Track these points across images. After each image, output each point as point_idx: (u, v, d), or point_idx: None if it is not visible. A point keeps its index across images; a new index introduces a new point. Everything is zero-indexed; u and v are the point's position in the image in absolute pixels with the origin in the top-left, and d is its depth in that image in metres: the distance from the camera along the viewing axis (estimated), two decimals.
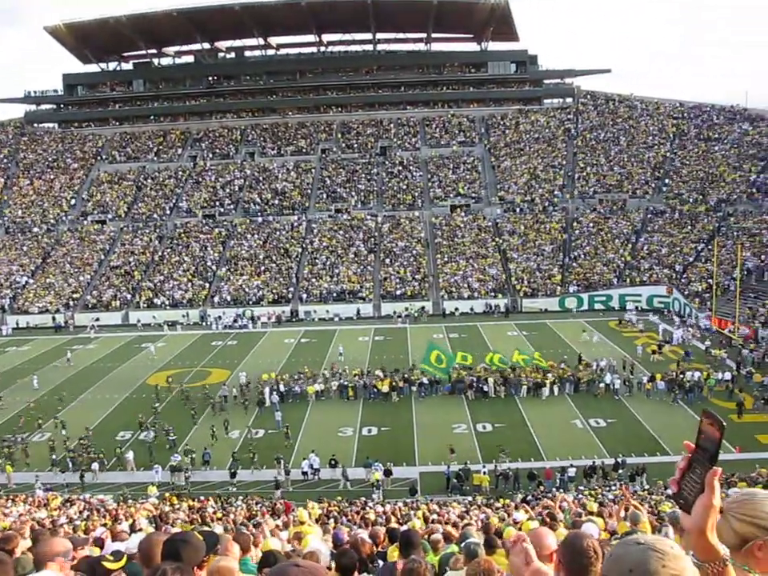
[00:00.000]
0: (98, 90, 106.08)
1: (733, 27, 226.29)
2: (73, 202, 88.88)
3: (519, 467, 32.33)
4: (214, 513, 22.71)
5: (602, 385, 42.41)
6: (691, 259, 68.02)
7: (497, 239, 76.38)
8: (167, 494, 30.03)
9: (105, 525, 18.46)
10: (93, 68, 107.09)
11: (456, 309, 66.75)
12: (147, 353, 56.65)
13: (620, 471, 31.37)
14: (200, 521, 19.11)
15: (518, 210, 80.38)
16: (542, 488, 29.93)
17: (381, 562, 7.73)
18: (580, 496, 25.51)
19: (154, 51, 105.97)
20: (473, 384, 43.04)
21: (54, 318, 69.37)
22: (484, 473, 31.63)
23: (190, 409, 41.42)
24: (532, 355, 46.95)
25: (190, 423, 40.12)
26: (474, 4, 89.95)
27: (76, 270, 76.81)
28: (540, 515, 15.68)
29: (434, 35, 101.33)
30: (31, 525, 17.09)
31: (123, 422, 40.78)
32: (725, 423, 2.30)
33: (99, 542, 10.43)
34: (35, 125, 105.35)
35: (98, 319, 68.35)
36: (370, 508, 24.13)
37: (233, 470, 33.38)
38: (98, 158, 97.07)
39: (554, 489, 29.35)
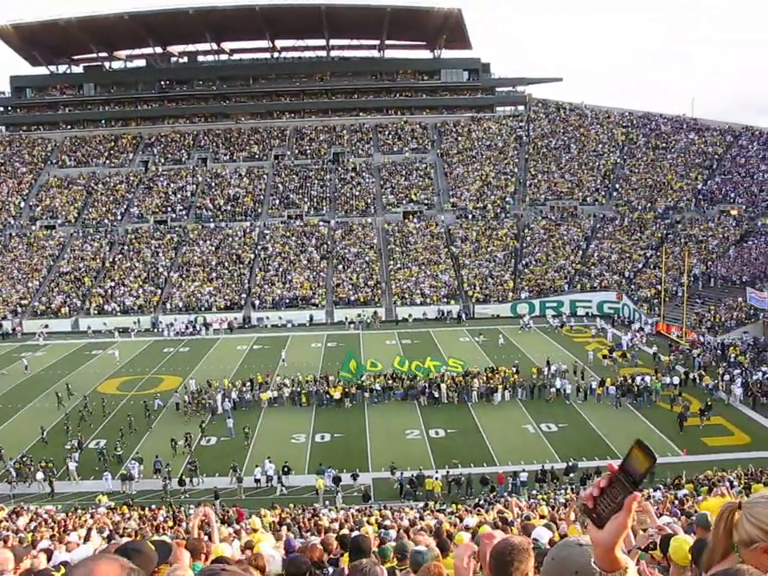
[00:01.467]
0: (48, 93, 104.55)
1: (678, 37, 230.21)
2: (21, 206, 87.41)
3: (472, 472, 32.55)
4: (165, 521, 22.52)
5: (553, 390, 42.90)
6: (640, 265, 69.17)
7: (449, 246, 76.80)
8: (114, 503, 29.68)
9: (53, 536, 18.22)
10: (42, 70, 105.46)
11: (409, 315, 66.99)
12: (111, 357, 56.11)
13: (571, 475, 31.70)
14: (151, 530, 18.95)
15: (470, 216, 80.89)
16: (494, 493, 30.13)
17: (331, 569, 7.76)
18: (532, 501, 25.74)
19: (105, 54, 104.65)
20: (425, 390, 43.21)
21: (1, 325, 68.17)
22: (437, 478, 31.75)
23: (145, 416, 41.08)
24: (446, 361, 47.34)
25: (144, 430, 39.72)
26: (427, 11, 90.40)
27: (24, 275, 75.52)
28: (493, 520, 15.80)
29: (387, 42, 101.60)
30: None
31: (73, 431, 40.16)
32: (657, 457, 2.39)
33: (47, 553, 10.32)
34: None
35: (47, 326, 67.30)
36: (323, 515, 24.12)
37: (182, 478, 33.14)
38: (48, 162, 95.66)
39: (506, 493, 29.58)
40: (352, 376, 44.77)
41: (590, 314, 65.60)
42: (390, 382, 44.98)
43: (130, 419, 40.22)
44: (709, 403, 38.32)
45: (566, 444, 35.73)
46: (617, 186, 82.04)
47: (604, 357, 50.48)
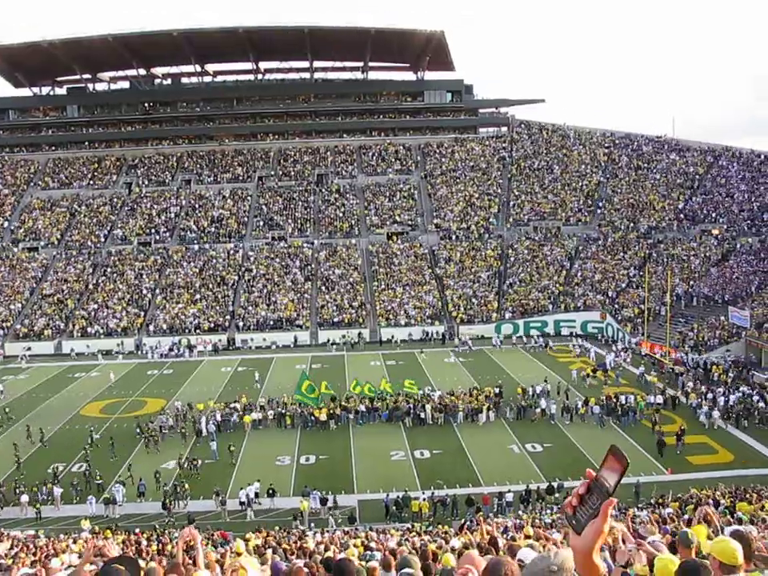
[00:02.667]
0: (31, 115, 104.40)
1: (659, 56, 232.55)
2: (4, 228, 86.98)
3: (457, 493, 32.49)
4: (149, 545, 22.34)
5: (537, 410, 42.96)
6: (623, 285, 69.57)
7: (433, 266, 76.98)
8: (97, 528, 29.43)
9: (34, 562, 18.04)
10: (25, 92, 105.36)
11: (392, 336, 66.85)
12: (107, 379, 55.97)
13: (556, 495, 31.70)
14: (135, 554, 18.78)
15: (454, 237, 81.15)
16: (480, 514, 30.07)
17: None
18: (518, 521, 25.72)
19: (88, 76, 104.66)
20: (410, 411, 43.17)
21: None
22: (423, 499, 31.69)
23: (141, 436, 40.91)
24: (403, 383, 47.44)
25: (125, 454, 39.46)
26: (410, 33, 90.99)
27: (6, 298, 75.03)
28: (479, 543, 15.78)
29: (371, 64, 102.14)
30: None
31: (56, 455, 39.88)
32: (629, 461, 2.45)
33: None
34: None
35: (29, 348, 66.87)
36: (309, 537, 24.01)
37: (165, 502, 32.94)
38: (30, 183, 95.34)
39: (491, 514, 29.54)
40: (306, 399, 44.53)
41: (573, 334, 65.80)
42: (376, 403, 44.91)
43: (111, 444, 39.98)
44: (683, 428, 38.01)
45: (551, 464, 35.79)
46: (599, 205, 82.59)
47: (587, 376, 50.64)
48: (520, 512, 30.03)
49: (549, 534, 17.55)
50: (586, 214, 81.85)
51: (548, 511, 29.52)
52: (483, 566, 4.66)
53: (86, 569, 7.16)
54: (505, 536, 17.01)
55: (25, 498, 33.75)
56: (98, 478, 35.71)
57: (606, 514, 2.37)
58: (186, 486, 34.18)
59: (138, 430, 42.00)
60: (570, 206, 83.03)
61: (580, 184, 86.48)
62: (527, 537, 16.52)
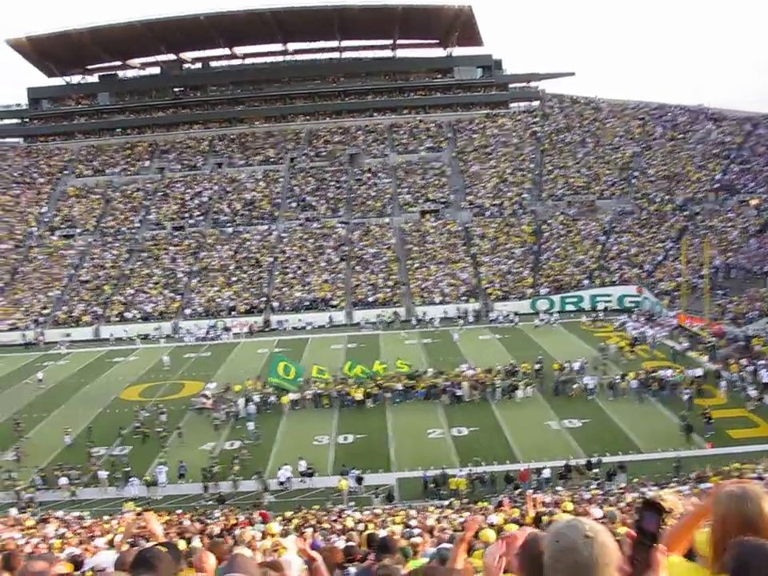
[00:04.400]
0: (63, 104, 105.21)
1: (693, 23, 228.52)
2: (40, 217, 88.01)
3: (495, 470, 32.44)
4: (191, 526, 22.55)
5: (575, 386, 42.65)
6: (660, 258, 68.69)
7: (467, 244, 76.65)
8: (140, 509, 29.77)
9: (81, 542, 18.31)
10: (58, 81, 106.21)
11: (424, 313, 66.63)
12: (163, 362, 56.53)
13: (595, 471, 31.52)
14: (177, 535, 18.96)
15: (487, 213, 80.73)
16: (518, 490, 30.01)
17: (353, 570, 7.72)
18: (556, 497, 25.63)
19: (118, 63, 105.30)
20: (446, 389, 43.11)
21: (23, 335, 68.62)
22: (461, 477, 31.68)
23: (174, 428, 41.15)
24: (394, 363, 47.42)
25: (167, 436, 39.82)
26: (438, 10, 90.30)
27: (45, 285, 76.00)
28: (518, 518, 15.73)
29: (399, 42, 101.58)
30: (3, 545, 16.90)
31: (98, 438, 40.38)
32: (665, 507, 2.41)
33: (74, 560, 10.34)
34: (0, 140, 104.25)
35: (68, 335, 67.70)
36: (348, 516, 24.11)
37: (206, 483, 33.27)
38: (65, 172, 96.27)
39: (529, 490, 29.44)
40: (283, 381, 44.49)
41: (608, 309, 65.09)
42: (412, 381, 44.89)
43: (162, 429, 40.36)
44: (708, 414, 36.88)
45: (589, 439, 35.52)
46: (634, 179, 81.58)
47: (621, 349, 50.14)
48: (558, 488, 29.89)
49: (588, 509, 17.46)
50: (621, 187, 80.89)
51: (588, 487, 29.36)
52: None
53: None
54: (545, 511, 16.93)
55: (64, 480, 34.27)
56: (125, 466, 36.00)
57: (657, 562, 2.34)
58: (236, 467, 34.46)
59: (137, 425, 41.23)
60: (603, 180, 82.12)
61: (614, 157, 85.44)
62: (566, 512, 16.44)
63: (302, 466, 33.71)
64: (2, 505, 33.17)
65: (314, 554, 5.61)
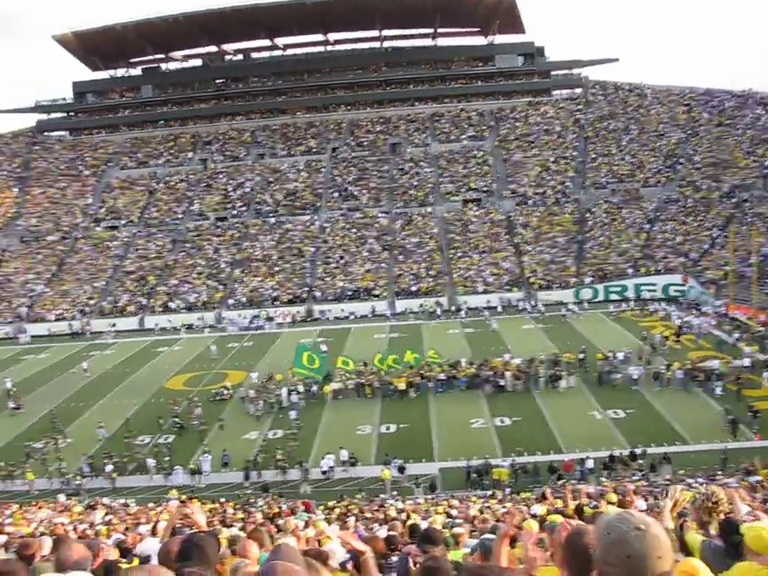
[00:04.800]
0: (108, 97, 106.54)
1: (742, 8, 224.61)
2: (86, 208, 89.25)
3: (538, 460, 32.26)
4: (234, 514, 22.75)
5: (619, 376, 42.23)
6: (706, 247, 67.62)
7: (510, 232, 76.23)
8: (184, 497, 30.11)
9: (126, 529, 18.55)
10: (102, 75, 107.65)
11: (464, 303, 66.39)
12: (211, 351, 57.03)
13: (639, 461, 31.21)
14: (219, 522, 19.12)
15: (530, 202, 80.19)
16: (562, 481, 29.82)
17: (394, 558, 7.69)
18: (600, 488, 25.42)
19: (161, 56, 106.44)
20: (489, 379, 42.95)
21: (70, 325, 69.71)
22: (503, 467, 31.56)
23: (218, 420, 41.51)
24: (426, 354, 47.29)
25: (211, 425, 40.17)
26: None
27: (91, 276, 77.16)
28: (560, 509, 15.60)
29: (440, 30, 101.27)
30: (52, 530, 17.18)
31: (143, 427, 40.91)
32: None
33: (120, 546, 10.47)
34: (46, 133, 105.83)
35: (114, 325, 68.64)
36: (390, 505, 24.14)
37: (248, 472, 33.57)
38: (109, 164, 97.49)
39: (573, 481, 29.25)
40: (308, 371, 44.31)
41: (653, 298, 64.26)
42: (454, 371, 44.80)
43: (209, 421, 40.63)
44: (757, 412, 35.54)
45: (633, 430, 35.11)
46: (679, 166, 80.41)
47: (666, 339, 49.49)
48: (602, 479, 29.64)
49: (632, 500, 17.27)
50: (666, 174, 79.80)
51: (632, 478, 29.08)
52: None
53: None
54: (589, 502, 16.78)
55: (110, 467, 34.83)
56: (165, 455, 36.39)
57: None
58: (278, 455, 34.72)
59: (174, 419, 41.10)
60: (648, 167, 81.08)
61: (658, 144, 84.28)
62: (610, 503, 16.28)
63: (344, 455, 33.87)
64: (50, 491, 33.81)
65: (363, 546, 5.55)
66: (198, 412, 40.96)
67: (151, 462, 35.29)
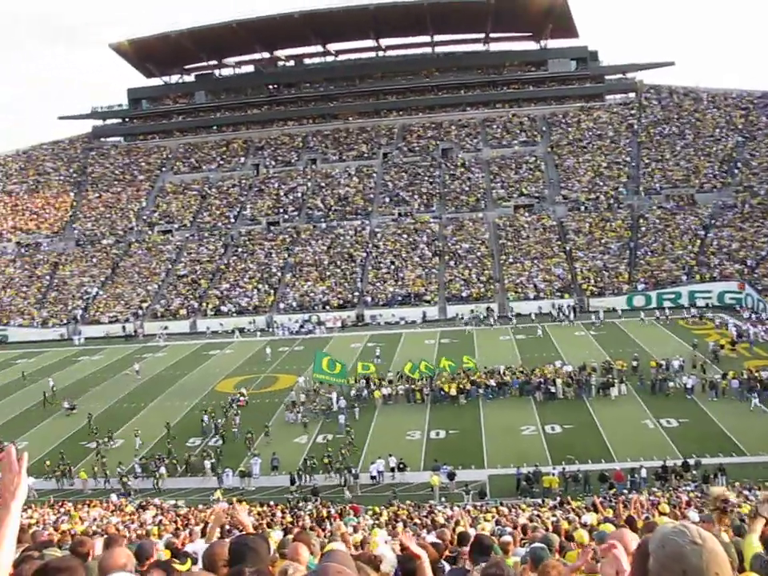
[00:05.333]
0: (162, 103, 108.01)
1: None
2: (139, 213, 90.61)
3: (589, 469, 31.87)
4: (283, 518, 22.83)
5: (672, 384, 41.58)
6: (764, 254, 66.33)
7: (562, 239, 75.59)
8: (235, 499, 30.32)
9: (177, 529, 18.71)
10: (156, 81, 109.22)
11: (511, 309, 65.89)
12: (266, 354, 57.35)
13: (693, 472, 30.66)
14: (266, 525, 19.20)
15: (582, 208, 79.44)
16: (613, 490, 29.43)
17: (447, 566, 7.61)
18: (653, 498, 25.03)
19: (214, 62, 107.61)
20: (540, 385, 42.60)
21: (124, 328, 70.73)
22: (554, 475, 31.25)
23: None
24: (459, 361, 46.72)
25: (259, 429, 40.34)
26: (531, 2, 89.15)
27: (144, 279, 78.27)
28: (612, 518, 15.39)
29: (492, 35, 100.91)
30: (104, 529, 17.41)
31: (193, 429, 41.33)
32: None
33: (171, 547, 10.54)
34: (102, 139, 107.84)
35: (166, 327, 69.50)
36: (439, 511, 24.03)
37: (293, 476, 33.68)
38: (163, 169, 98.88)
39: (625, 491, 28.83)
40: (329, 377, 44.14)
41: (708, 306, 63.12)
42: (505, 377, 44.54)
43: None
44: None
45: (687, 440, 34.52)
46: (736, 171, 79.01)
47: (722, 347, 48.50)
48: (654, 489, 29.16)
49: (685, 512, 16.97)
50: (722, 179, 78.47)
51: (685, 489, 28.59)
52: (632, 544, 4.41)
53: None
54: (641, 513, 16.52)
55: (163, 470, 35.30)
56: (210, 458, 36.58)
57: None
58: (341, 459, 34.82)
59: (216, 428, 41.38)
60: (703, 173, 79.78)
61: (714, 149, 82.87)
62: (662, 514, 16.01)
63: (392, 461, 33.81)
64: (103, 491, 34.32)
65: (419, 550, 5.45)
66: (237, 421, 41.06)
67: (208, 463, 35.69)
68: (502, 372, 45.30)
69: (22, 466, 3.10)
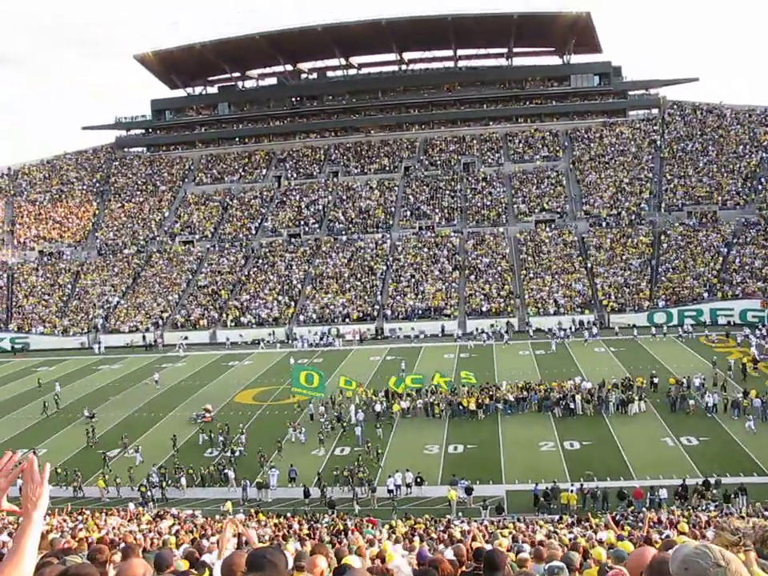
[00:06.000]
0: (185, 114, 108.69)
1: None
2: (161, 223, 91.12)
3: (608, 486, 31.62)
4: (300, 529, 22.79)
5: (692, 402, 41.23)
6: None
7: (583, 254, 75.29)
8: (252, 511, 30.33)
9: (193, 539, 18.70)
10: (179, 93, 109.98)
11: (528, 323, 65.79)
12: (291, 364, 56.66)
13: (713, 491, 30.34)
14: (282, 538, 19.18)
15: (603, 224, 79.13)
16: (631, 508, 29.17)
17: None
18: (671, 517, 24.80)
19: (237, 74, 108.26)
20: (559, 401, 42.39)
21: (144, 337, 71.02)
22: (572, 491, 31.03)
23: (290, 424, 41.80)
24: (456, 378, 46.68)
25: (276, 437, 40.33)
26: (554, 17, 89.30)
27: (165, 289, 78.64)
28: (630, 536, 15.28)
29: (515, 50, 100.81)
30: (122, 538, 17.43)
31: (207, 442, 41.38)
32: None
33: (189, 556, 10.54)
34: (125, 149, 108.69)
35: (186, 338, 69.73)
36: (455, 526, 23.90)
37: (307, 488, 33.61)
38: (185, 180, 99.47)
39: (644, 509, 28.57)
40: (307, 390, 43.74)
41: (730, 323, 62.59)
42: (524, 393, 44.35)
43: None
44: None
45: (707, 458, 34.20)
46: (759, 187, 78.44)
47: (744, 366, 47.97)
48: (673, 507, 28.87)
49: (705, 532, 16.82)
50: (745, 196, 77.92)
51: (705, 508, 28.29)
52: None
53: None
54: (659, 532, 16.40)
55: (184, 480, 35.37)
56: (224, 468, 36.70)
57: None
58: (344, 473, 34.74)
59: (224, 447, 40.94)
60: (726, 189, 79.27)
61: (738, 166, 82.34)
62: (681, 533, 15.86)
63: (409, 477, 33.68)
64: (120, 499, 34.41)
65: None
66: (242, 439, 40.82)
67: (231, 473, 35.73)
68: (503, 387, 45.31)
69: (45, 476, 3.13)
